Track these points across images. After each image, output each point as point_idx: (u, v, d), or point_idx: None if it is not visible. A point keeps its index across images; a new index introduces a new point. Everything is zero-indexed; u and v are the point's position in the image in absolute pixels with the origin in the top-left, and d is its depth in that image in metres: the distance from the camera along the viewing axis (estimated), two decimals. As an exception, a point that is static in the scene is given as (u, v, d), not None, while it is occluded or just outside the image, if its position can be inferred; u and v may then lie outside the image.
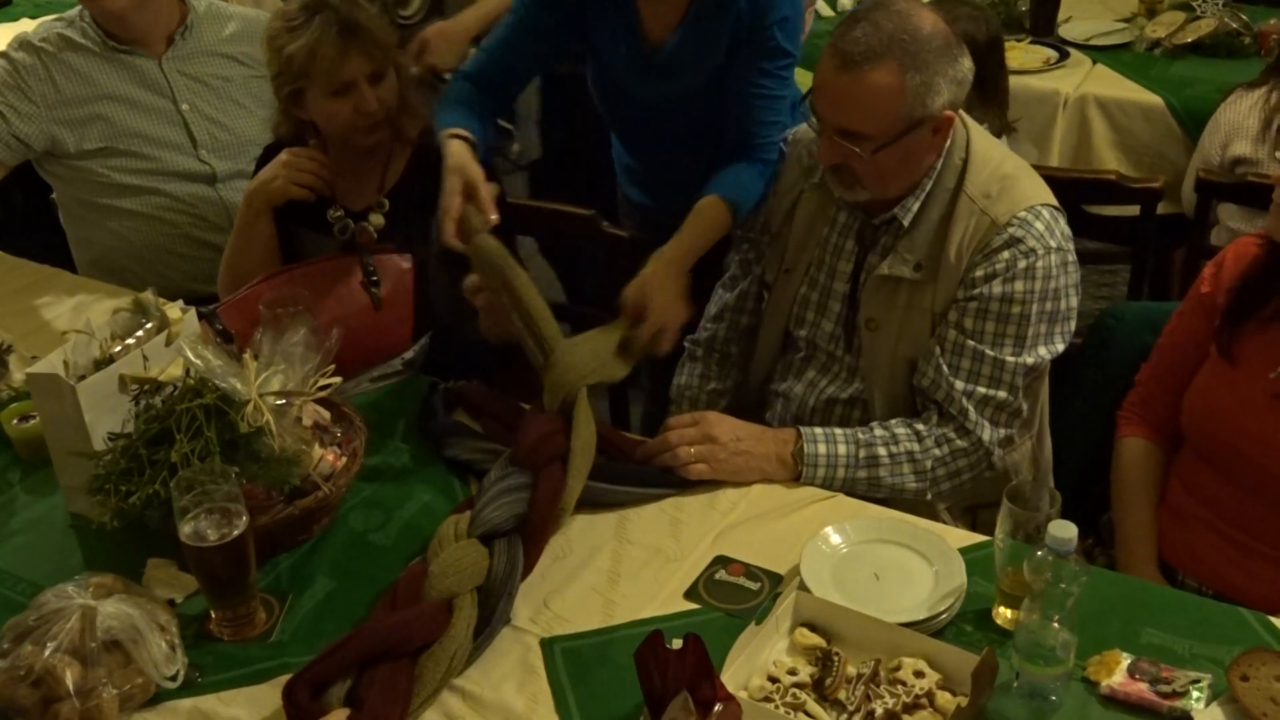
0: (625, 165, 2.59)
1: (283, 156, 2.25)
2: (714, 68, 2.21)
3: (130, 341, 1.79)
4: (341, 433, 1.83)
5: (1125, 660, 1.47)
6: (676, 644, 1.33)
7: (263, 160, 2.34)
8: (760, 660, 1.51)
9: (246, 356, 1.70)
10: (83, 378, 1.72)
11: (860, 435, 1.89)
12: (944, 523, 1.91)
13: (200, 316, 1.94)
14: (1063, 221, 1.89)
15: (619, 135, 2.56)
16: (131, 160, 2.68)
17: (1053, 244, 1.85)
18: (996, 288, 1.85)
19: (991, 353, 1.87)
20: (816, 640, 1.53)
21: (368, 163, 2.28)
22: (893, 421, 1.92)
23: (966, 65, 1.83)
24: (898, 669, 1.47)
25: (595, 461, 1.80)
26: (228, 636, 1.60)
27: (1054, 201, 1.90)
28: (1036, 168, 1.99)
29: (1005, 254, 1.84)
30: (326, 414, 1.82)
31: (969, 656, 1.44)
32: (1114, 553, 1.95)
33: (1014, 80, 3.18)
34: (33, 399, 1.86)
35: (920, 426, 1.91)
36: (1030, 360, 1.89)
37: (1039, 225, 1.85)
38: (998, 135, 2.61)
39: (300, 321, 1.80)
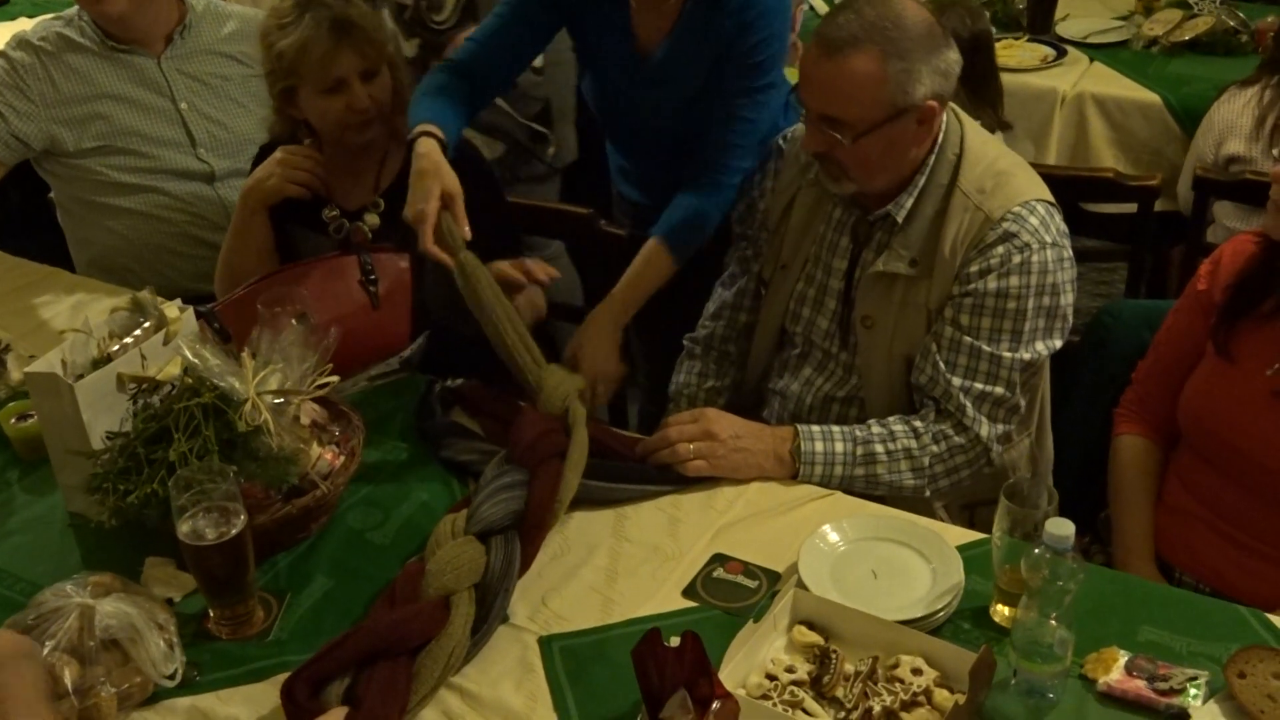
0: (619, 165, 2.60)
1: (278, 155, 2.25)
2: (701, 79, 2.21)
3: (128, 340, 1.79)
4: (339, 431, 1.83)
5: (1123, 657, 1.47)
6: (674, 642, 1.33)
7: (258, 159, 2.34)
8: (758, 658, 1.51)
9: (244, 355, 1.70)
10: (81, 377, 1.72)
11: (858, 433, 1.89)
12: (941, 520, 1.91)
13: (198, 315, 1.94)
14: (1058, 217, 1.89)
15: (612, 137, 2.57)
16: (130, 159, 2.67)
17: (1048, 239, 1.85)
18: (991, 283, 1.85)
19: (988, 348, 1.87)
20: (814, 638, 1.53)
21: (363, 161, 2.28)
22: (890, 419, 1.93)
23: (952, 57, 1.83)
24: (895, 666, 1.47)
25: (590, 461, 1.81)
26: (226, 635, 1.60)
27: (1049, 197, 1.90)
28: (1034, 166, 1.99)
29: (1000, 249, 1.85)
30: (324, 413, 1.82)
31: (967, 654, 1.44)
32: (1111, 550, 1.95)
33: (1011, 78, 3.19)
34: (31, 398, 1.86)
35: (918, 424, 1.91)
36: (1027, 355, 1.89)
37: (1033, 220, 1.85)
38: (991, 133, 2.61)
39: (298, 320, 1.80)
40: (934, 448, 1.89)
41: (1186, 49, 3.49)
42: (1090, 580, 1.49)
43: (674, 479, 1.85)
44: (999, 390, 1.89)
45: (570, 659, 1.55)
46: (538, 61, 2.77)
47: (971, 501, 2.02)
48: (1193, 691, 1.43)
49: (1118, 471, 1.96)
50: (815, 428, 1.89)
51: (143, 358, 1.77)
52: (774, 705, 1.43)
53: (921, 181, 1.90)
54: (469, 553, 1.60)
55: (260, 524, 1.63)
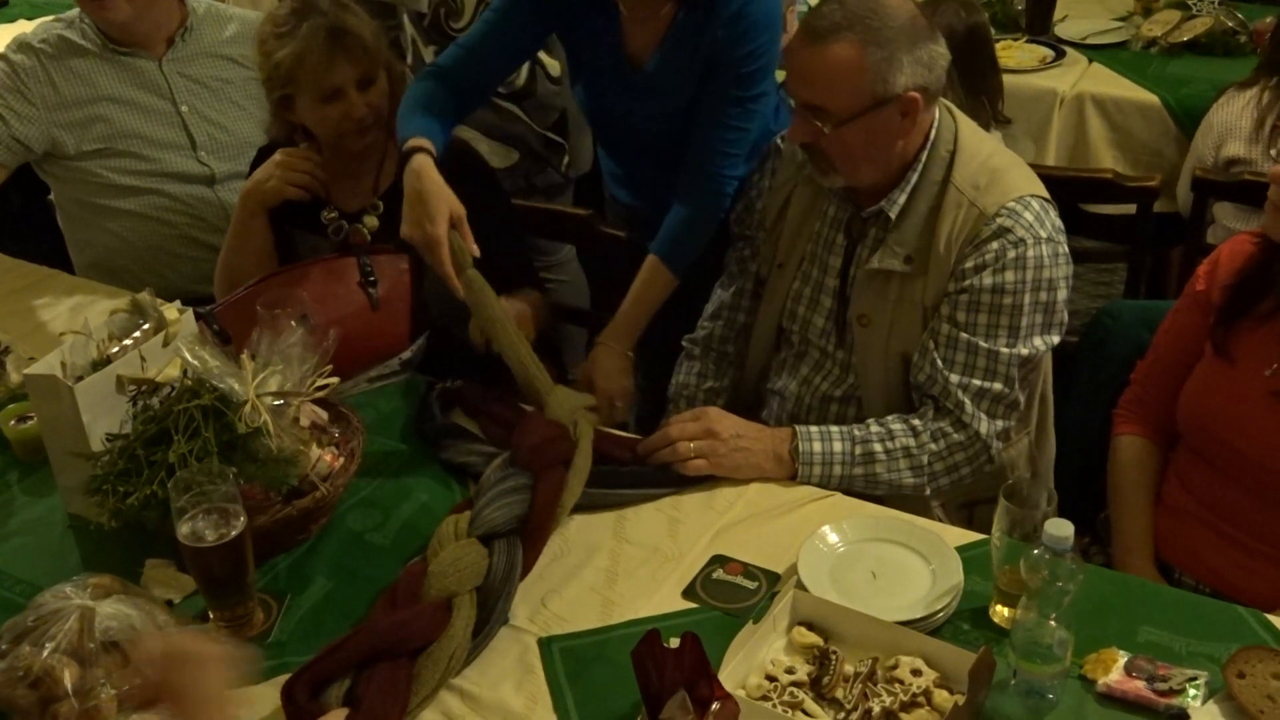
0: (610, 170, 2.60)
1: (277, 157, 2.25)
2: (692, 89, 2.21)
3: (128, 342, 1.79)
4: (339, 433, 1.83)
5: (1122, 658, 1.47)
6: (674, 643, 1.33)
7: (257, 161, 2.35)
8: (758, 659, 1.51)
9: (244, 357, 1.70)
10: (80, 378, 1.72)
11: (856, 432, 1.89)
12: (938, 519, 1.91)
13: (198, 317, 1.94)
14: (1053, 212, 1.89)
15: (604, 143, 2.58)
16: (130, 161, 2.68)
17: (1043, 234, 1.85)
18: (987, 279, 1.85)
19: (985, 344, 1.87)
20: (814, 639, 1.53)
21: (362, 164, 2.28)
22: (889, 418, 1.93)
23: (937, 50, 1.84)
24: (895, 667, 1.47)
25: (592, 469, 1.81)
26: (226, 637, 1.60)
27: (1044, 193, 1.90)
28: (1033, 166, 1.99)
29: (994, 244, 1.85)
30: (324, 414, 1.82)
31: (966, 655, 1.44)
32: (1111, 551, 1.95)
33: (1010, 79, 3.19)
34: (30, 400, 1.86)
35: (916, 422, 1.91)
36: (1025, 351, 1.89)
37: (1028, 216, 1.85)
38: (986, 128, 2.61)
39: (298, 322, 1.80)
40: (933, 446, 1.89)
41: (1185, 50, 3.50)
42: (1090, 581, 1.50)
43: (674, 480, 1.85)
44: (997, 386, 1.89)
45: (570, 660, 1.55)
46: (555, 71, 2.78)
47: (970, 500, 2.02)
48: (1192, 692, 1.43)
49: (1117, 472, 1.96)
50: (814, 428, 1.89)
51: (142, 359, 1.78)
52: (773, 706, 1.43)
53: (914, 178, 1.90)
54: (472, 555, 1.61)
55: (260, 525, 1.63)
